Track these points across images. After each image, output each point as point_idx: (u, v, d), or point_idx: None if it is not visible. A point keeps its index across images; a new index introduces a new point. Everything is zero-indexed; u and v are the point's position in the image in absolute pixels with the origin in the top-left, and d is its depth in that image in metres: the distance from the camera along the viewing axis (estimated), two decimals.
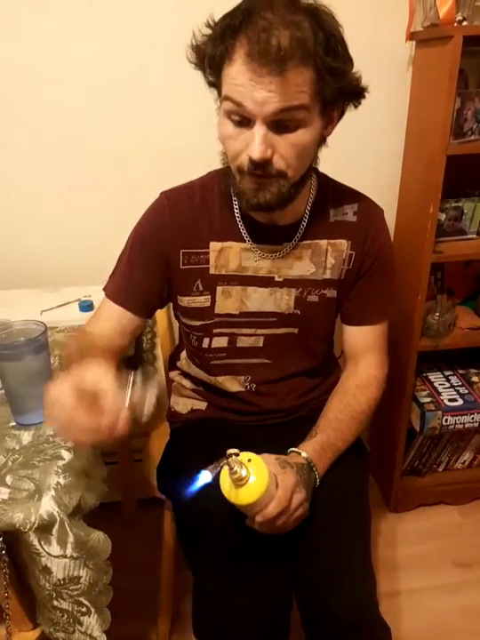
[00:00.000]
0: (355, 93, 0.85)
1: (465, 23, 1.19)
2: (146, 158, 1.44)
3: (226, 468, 0.77)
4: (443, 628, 1.42)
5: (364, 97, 0.87)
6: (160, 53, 1.34)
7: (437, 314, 1.53)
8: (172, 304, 1.09)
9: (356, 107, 0.88)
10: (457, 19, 1.18)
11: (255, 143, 0.79)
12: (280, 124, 0.80)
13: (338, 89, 0.81)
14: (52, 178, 1.45)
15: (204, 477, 0.70)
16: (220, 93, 0.85)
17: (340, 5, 0.80)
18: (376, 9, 1.34)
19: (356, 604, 0.89)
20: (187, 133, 1.41)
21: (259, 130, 0.79)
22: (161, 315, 1.44)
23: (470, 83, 1.35)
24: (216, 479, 0.76)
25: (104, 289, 1.05)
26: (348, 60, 0.82)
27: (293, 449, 0.98)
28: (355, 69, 0.83)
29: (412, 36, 1.33)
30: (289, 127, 0.80)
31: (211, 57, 0.81)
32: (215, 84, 0.85)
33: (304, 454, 0.97)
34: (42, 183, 1.45)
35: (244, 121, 0.80)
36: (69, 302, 1.34)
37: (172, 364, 1.27)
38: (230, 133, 0.83)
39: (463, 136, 1.31)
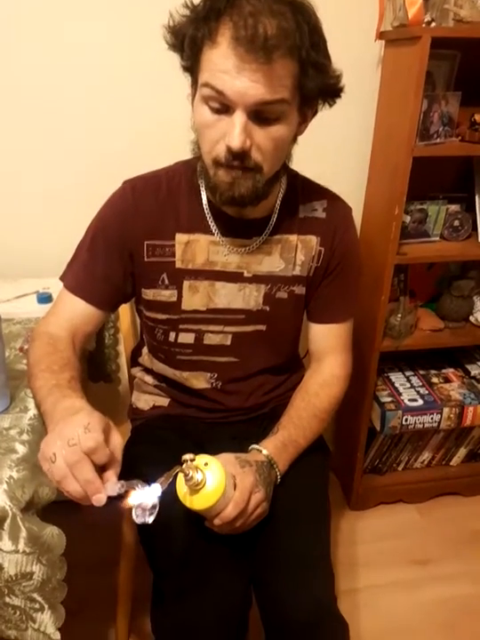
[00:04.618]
0: (333, 91, 0.84)
1: (433, 25, 1.21)
2: (109, 146, 1.41)
3: (181, 473, 0.76)
4: (401, 624, 1.44)
5: (339, 96, 0.86)
6: (132, 40, 1.32)
7: (399, 315, 1.56)
8: (134, 298, 1.07)
9: (330, 105, 0.87)
10: (425, 19, 1.20)
11: (235, 132, 0.77)
12: (260, 115, 0.78)
13: (319, 85, 0.80)
14: (9, 166, 1.40)
15: (155, 491, 0.68)
16: (195, 79, 0.82)
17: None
18: (347, 7, 1.34)
19: (315, 601, 0.89)
20: (153, 121, 1.39)
21: (239, 118, 0.77)
22: (124, 310, 1.41)
23: (437, 86, 1.38)
24: (170, 486, 0.74)
25: (62, 278, 1.01)
26: (329, 57, 0.82)
27: (254, 446, 0.98)
28: (335, 67, 0.82)
29: (381, 35, 1.35)
30: (268, 120, 0.79)
31: (191, 38, 0.78)
32: (191, 68, 0.82)
33: (265, 451, 0.96)
34: None
35: (223, 108, 0.78)
36: (27, 294, 1.30)
37: (133, 360, 1.25)
38: (207, 121, 0.81)
39: (429, 138, 1.33)
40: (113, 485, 0.66)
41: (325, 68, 0.80)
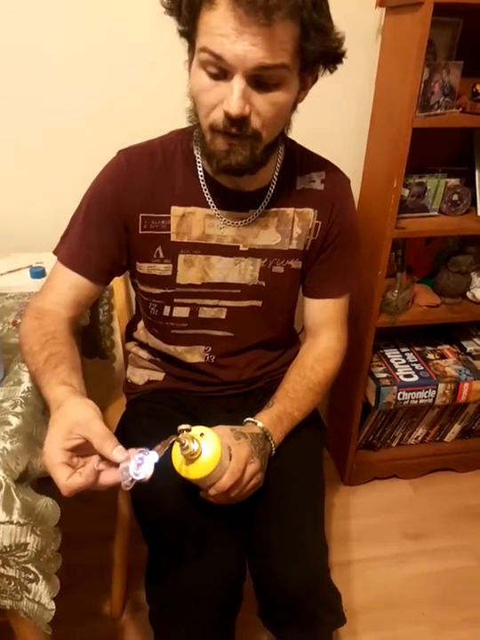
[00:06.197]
0: (335, 55, 0.81)
1: None
2: (103, 115, 1.38)
3: (177, 443, 0.75)
4: (393, 596, 1.46)
5: (341, 61, 0.83)
6: (127, 4, 1.27)
7: (396, 291, 1.55)
8: (129, 271, 1.05)
9: (331, 72, 0.84)
10: None
11: (233, 97, 0.75)
12: (259, 80, 0.76)
13: (320, 48, 0.77)
14: (1, 138, 1.37)
15: (152, 458, 0.68)
16: (192, 44, 0.79)
17: None
18: None
19: (309, 572, 0.90)
20: (148, 90, 1.35)
21: (238, 83, 0.74)
22: (119, 286, 1.40)
23: (439, 55, 1.35)
24: (166, 457, 0.74)
25: (55, 252, 0.99)
26: (331, 19, 0.79)
27: (249, 419, 0.98)
28: (337, 30, 0.79)
29: (382, 2, 1.31)
30: (268, 85, 0.77)
31: (189, 0, 0.75)
32: (188, 33, 0.79)
33: (260, 424, 0.96)
34: None
35: (221, 73, 0.76)
36: (20, 268, 1.28)
37: (128, 334, 1.24)
38: (205, 85, 0.78)
39: (429, 109, 1.30)
40: (126, 475, 0.68)
41: (327, 31, 0.77)
